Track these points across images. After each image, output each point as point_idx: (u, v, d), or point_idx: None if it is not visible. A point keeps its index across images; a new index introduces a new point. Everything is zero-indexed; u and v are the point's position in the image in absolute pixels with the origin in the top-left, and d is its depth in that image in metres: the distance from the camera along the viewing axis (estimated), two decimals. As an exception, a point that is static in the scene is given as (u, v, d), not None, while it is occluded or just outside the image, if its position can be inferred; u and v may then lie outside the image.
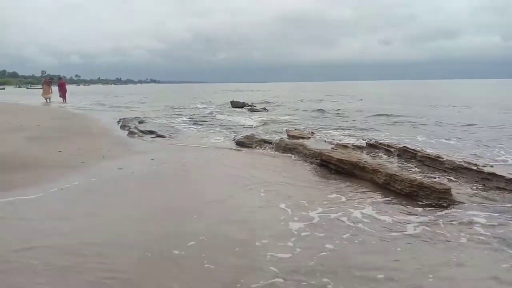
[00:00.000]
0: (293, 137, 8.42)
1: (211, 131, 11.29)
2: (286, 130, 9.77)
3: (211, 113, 18.24)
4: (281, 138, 8.42)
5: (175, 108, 21.47)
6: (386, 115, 15.33)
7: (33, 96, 36.89)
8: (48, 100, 25.09)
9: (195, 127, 12.46)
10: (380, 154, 6.91)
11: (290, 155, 7.17)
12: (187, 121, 14.23)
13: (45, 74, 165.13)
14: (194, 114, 17.44)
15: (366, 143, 7.77)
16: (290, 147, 7.58)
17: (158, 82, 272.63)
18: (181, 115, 17.26)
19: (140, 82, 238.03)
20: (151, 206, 4.03)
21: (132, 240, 3.13)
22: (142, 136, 9.52)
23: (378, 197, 4.45)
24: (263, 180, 5.11)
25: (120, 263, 2.72)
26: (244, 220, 3.67)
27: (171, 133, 10.24)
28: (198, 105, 24.75)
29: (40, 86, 79.20)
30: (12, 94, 43.46)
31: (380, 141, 7.76)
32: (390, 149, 6.95)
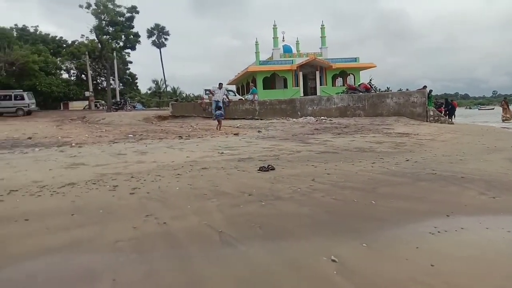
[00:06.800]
0: None
1: None
2: None
3: None
4: None
5: None
6: None
7: (485, 117, 36.78)
8: (506, 120, 24.81)
9: None
10: None
11: None
12: None
13: (496, 94, 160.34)
14: None
15: None
16: None
17: None
18: None
19: None
20: None
21: None
22: None
23: None
24: None
25: None
26: None
27: None
28: None
29: (490, 107, 79.06)
30: (463, 116, 45.21)
31: None
32: None
